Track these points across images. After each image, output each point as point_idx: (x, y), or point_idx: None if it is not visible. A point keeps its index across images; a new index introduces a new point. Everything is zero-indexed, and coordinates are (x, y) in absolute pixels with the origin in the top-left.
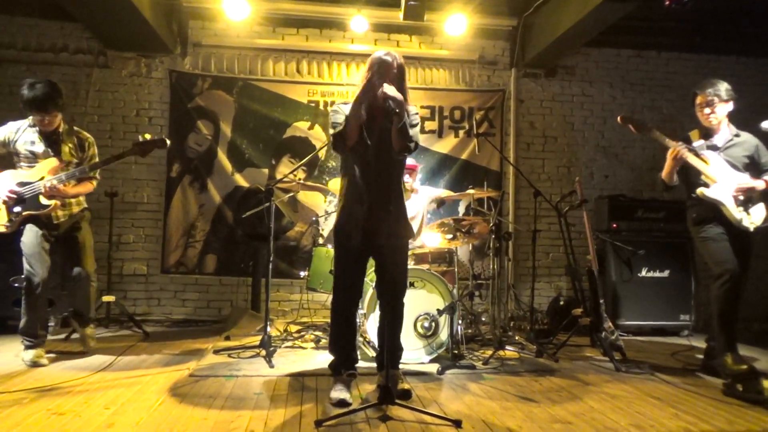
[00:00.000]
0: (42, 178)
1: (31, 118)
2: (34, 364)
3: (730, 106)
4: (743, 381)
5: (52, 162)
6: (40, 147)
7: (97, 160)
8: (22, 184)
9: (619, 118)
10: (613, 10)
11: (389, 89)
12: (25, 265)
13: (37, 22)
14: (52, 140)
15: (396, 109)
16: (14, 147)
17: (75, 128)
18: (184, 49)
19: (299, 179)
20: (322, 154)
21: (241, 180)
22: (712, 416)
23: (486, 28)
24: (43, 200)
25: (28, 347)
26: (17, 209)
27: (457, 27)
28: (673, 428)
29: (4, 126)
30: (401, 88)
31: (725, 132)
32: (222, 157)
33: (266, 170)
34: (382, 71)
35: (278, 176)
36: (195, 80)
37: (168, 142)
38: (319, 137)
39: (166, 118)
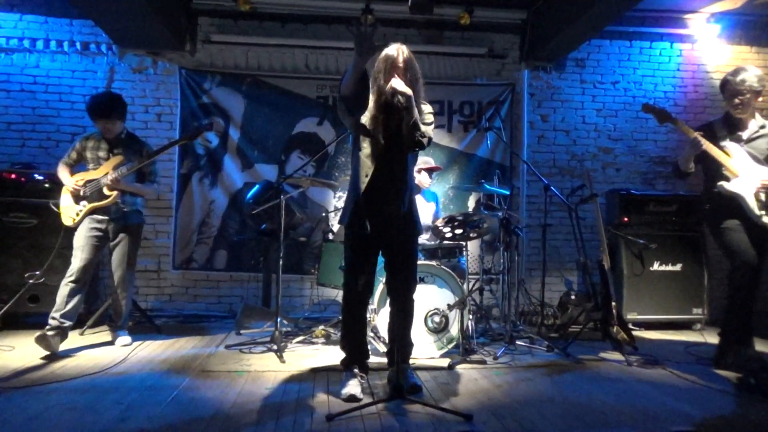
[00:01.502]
0: (106, 174)
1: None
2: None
3: (759, 98)
4: (757, 374)
5: (116, 159)
6: (104, 152)
7: (155, 165)
8: (88, 182)
9: (642, 106)
10: (624, 0)
11: (398, 84)
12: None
13: (46, 19)
14: (114, 145)
15: (405, 104)
16: (84, 154)
17: (135, 136)
18: (194, 45)
19: (309, 175)
20: (331, 149)
21: (250, 176)
22: (726, 410)
23: (494, 21)
24: (105, 191)
25: (49, 329)
26: (83, 203)
27: (465, 20)
28: (685, 422)
29: (79, 136)
30: (411, 82)
31: (751, 123)
32: (232, 153)
33: (276, 166)
34: (388, 66)
35: (288, 172)
36: (204, 77)
37: (214, 124)
38: (328, 133)
39: (176, 114)
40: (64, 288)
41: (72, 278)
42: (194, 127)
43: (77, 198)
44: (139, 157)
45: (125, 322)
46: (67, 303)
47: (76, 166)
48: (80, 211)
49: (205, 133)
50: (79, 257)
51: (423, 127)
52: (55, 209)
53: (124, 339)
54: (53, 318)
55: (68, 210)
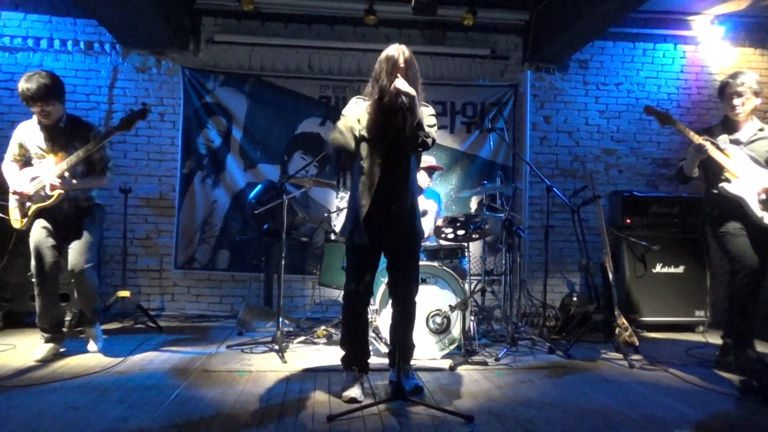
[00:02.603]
0: (48, 171)
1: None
2: (42, 361)
3: (758, 101)
4: (760, 377)
5: (58, 155)
6: (43, 143)
7: (104, 150)
8: (33, 179)
9: (644, 109)
10: (627, 2)
11: (401, 84)
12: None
13: (50, 18)
14: (56, 133)
15: (408, 105)
16: (27, 146)
17: (79, 119)
18: (197, 45)
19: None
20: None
21: (253, 176)
22: (728, 412)
23: (498, 22)
24: (48, 191)
25: (45, 340)
26: (27, 204)
27: (468, 21)
28: (687, 425)
29: (17, 128)
30: (412, 82)
31: (750, 126)
32: (234, 153)
33: (278, 166)
34: (390, 67)
35: (290, 172)
36: (207, 76)
37: (148, 109)
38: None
39: (179, 114)
40: (37, 296)
41: (36, 283)
42: (126, 116)
43: (22, 199)
44: (85, 144)
45: (96, 316)
46: (47, 309)
47: (23, 161)
48: (26, 212)
49: (138, 122)
50: (37, 261)
51: (426, 129)
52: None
53: (92, 345)
54: (41, 328)
55: (15, 213)
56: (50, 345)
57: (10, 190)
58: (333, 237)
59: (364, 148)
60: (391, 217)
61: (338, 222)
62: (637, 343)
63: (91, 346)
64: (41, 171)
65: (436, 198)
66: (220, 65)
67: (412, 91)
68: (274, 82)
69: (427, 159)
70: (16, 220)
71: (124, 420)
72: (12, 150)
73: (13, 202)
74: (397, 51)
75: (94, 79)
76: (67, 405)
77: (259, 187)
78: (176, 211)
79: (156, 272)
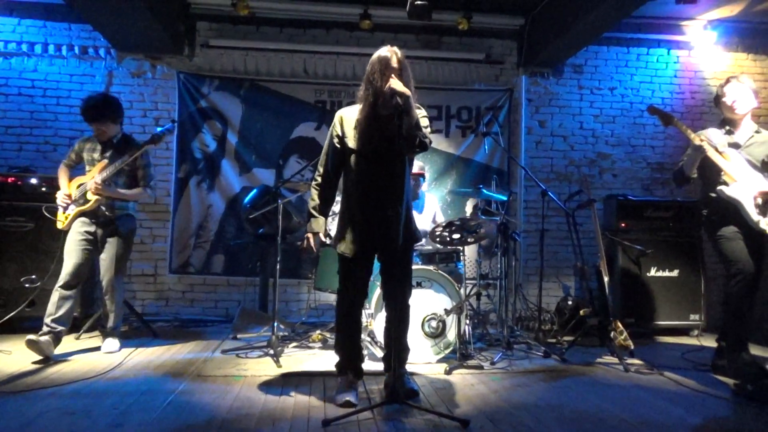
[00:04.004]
0: (92, 178)
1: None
2: (36, 343)
3: (755, 103)
4: (754, 381)
5: (102, 163)
6: (98, 154)
7: (149, 169)
8: (81, 185)
9: (648, 108)
10: (622, 7)
11: (396, 84)
12: None
13: (44, 23)
14: (109, 148)
15: (403, 105)
16: (82, 155)
17: (130, 138)
18: (192, 50)
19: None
20: None
21: (248, 180)
22: (723, 416)
23: (493, 27)
24: (89, 196)
25: (41, 334)
26: (71, 207)
27: (463, 26)
28: (682, 428)
29: (78, 140)
30: (405, 83)
31: (747, 129)
32: (229, 157)
33: (274, 171)
34: (383, 68)
35: (285, 177)
36: (203, 81)
37: (175, 123)
38: (326, 138)
39: (174, 118)
40: (55, 293)
41: (62, 283)
42: (157, 134)
43: (67, 201)
44: (127, 158)
45: (116, 328)
46: (58, 308)
47: (76, 168)
48: (69, 214)
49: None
50: (68, 262)
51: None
52: (47, 215)
53: (110, 345)
54: (46, 324)
55: (60, 214)
56: (47, 338)
57: (59, 192)
58: (328, 241)
59: (354, 159)
60: (386, 222)
61: (334, 226)
62: (633, 347)
63: (110, 345)
64: (87, 179)
65: (432, 201)
66: (215, 69)
67: (407, 91)
68: (270, 87)
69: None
70: (60, 221)
71: (119, 426)
72: (69, 156)
73: (60, 203)
74: (390, 52)
75: (89, 84)
76: (61, 411)
77: (254, 191)
78: (171, 216)
79: (151, 277)
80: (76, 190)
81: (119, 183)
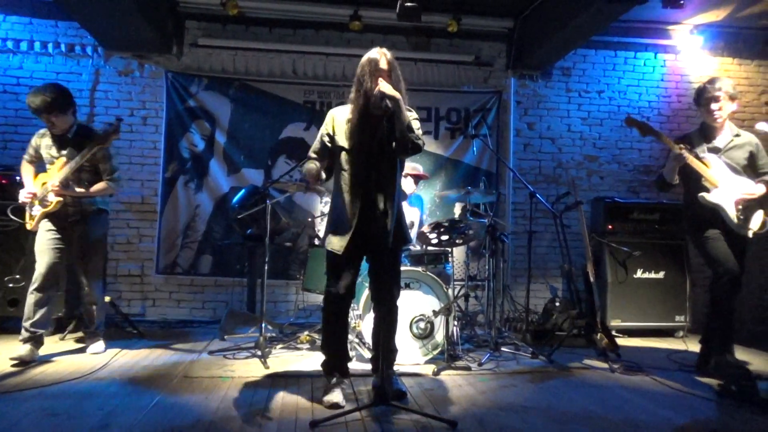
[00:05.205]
0: (53, 178)
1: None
2: (19, 360)
3: (734, 106)
4: (738, 381)
5: (61, 161)
6: (54, 150)
7: (111, 161)
8: (44, 184)
9: (625, 120)
10: (610, 12)
11: (385, 87)
12: None
13: (31, 20)
14: (64, 142)
15: (393, 108)
16: (40, 151)
17: (89, 129)
18: (181, 49)
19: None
20: None
21: (236, 181)
22: (708, 417)
23: (482, 29)
24: (51, 197)
25: (24, 341)
26: (36, 207)
27: (452, 28)
28: (668, 429)
29: (36, 133)
30: (395, 85)
31: (726, 132)
32: (218, 157)
33: (262, 171)
34: (372, 69)
35: (274, 177)
36: (191, 80)
37: (121, 120)
38: (315, 138)
39: (161, 118)
40: (30, 296)
41: (36, 286)
42: (105, 131)
43: (32, 200)
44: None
45: (99, 328)
46: (35, 312)
47: (38, 164)
48: (35, 215)
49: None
50: (40, 263)
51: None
52: (13, 217)
53: (96, 346)
54: (24, 328)
55: (27, 215)
56: (29, 346)
57: (23, 190)
58: (317, 242)
59: (344, 157)
60: (376, 223)
61: (322, 227)
62: (618, 348)
63: (96, 347)
64: (49, 177)
65: (420, 204)
66: (204, 69)
67: (396, 94)
68: (259, 87)
69: (415, 166)
70: (27, 222)
71: (105, 427)
72: (28, 151)
73: (23, 200)
74: (379, 53)
75: (76, 82)
76: (46, 412)
77: (242, 191)
78: (158, 216)
79: (137, 277)
80: (41, 188)
81: (82, 179)
